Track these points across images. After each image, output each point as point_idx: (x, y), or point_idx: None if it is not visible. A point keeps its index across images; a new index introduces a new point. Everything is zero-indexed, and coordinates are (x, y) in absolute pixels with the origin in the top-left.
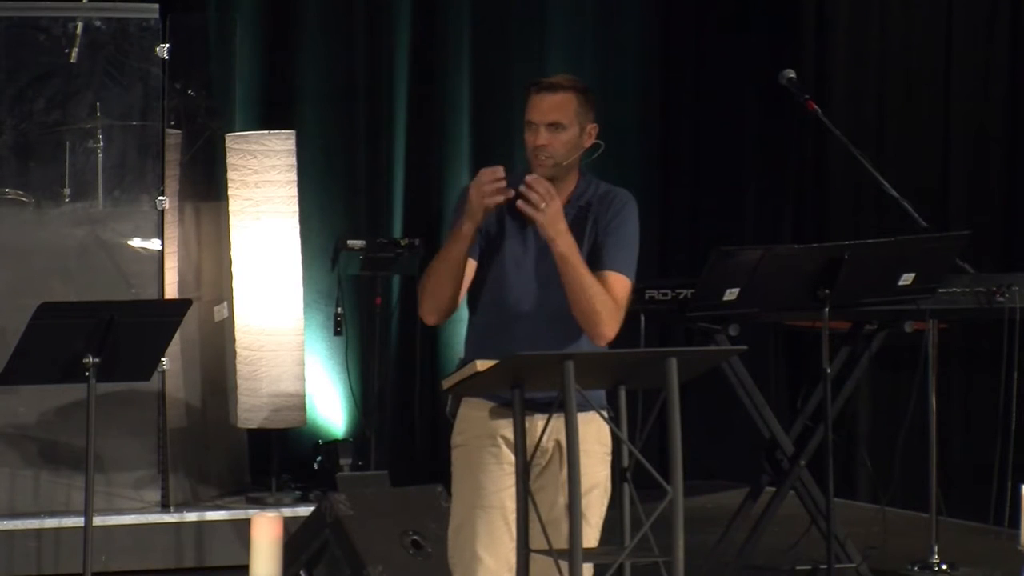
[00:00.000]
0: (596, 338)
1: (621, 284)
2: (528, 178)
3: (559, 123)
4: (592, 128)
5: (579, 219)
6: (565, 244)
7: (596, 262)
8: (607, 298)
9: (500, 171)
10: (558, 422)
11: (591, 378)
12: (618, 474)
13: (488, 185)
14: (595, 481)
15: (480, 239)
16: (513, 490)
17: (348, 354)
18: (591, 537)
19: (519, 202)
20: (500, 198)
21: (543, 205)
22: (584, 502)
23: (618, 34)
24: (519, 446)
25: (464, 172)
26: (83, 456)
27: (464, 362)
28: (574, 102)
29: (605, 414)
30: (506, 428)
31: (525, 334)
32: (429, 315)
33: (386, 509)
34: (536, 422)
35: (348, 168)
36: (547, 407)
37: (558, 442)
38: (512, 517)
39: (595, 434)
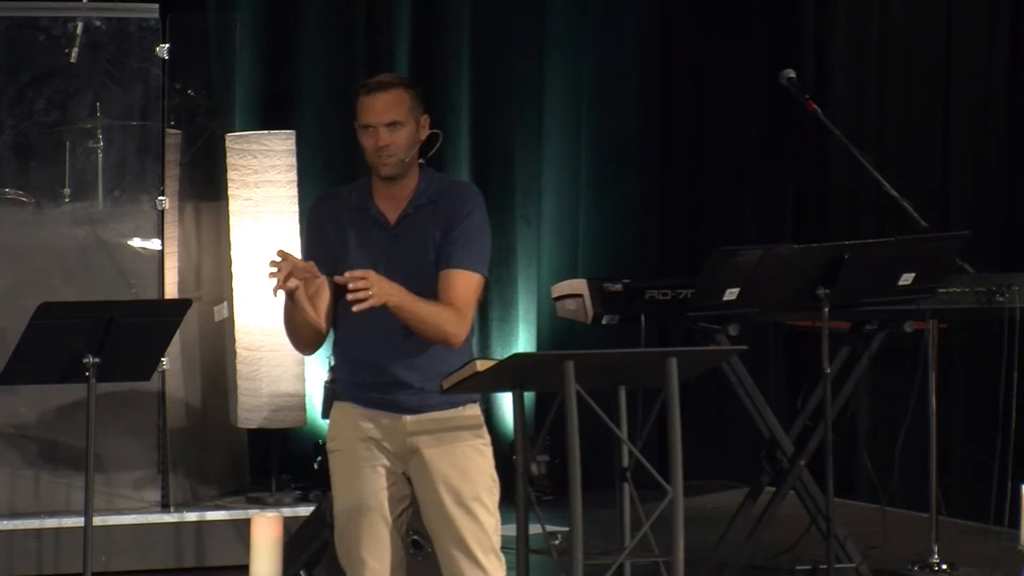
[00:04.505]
0: (449, 347)
1: (466, 281)
2: (339, 279)
3: (397, 121)
4: (425, 120)
5: (425, 214)
6: (394, 299)
7: (444, 260)
8: (445, 311)
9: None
10: (421, 423)
11: (591, 378)
12: (618, 474)
13: (274, 273)
14: (485, 471)
15: (328, 255)
16: (389, 491)
17: None
18: (493, 526)
19: (349, 297)
20: (287, 285)
21: (371, 290)
22: (473, 492)
23: (618, 34)
24: (520, 446)
25: (464, 172)
26: (83, 456)
27: (336, 371)
28: (406, 98)
29: (479, 407)
30: (375, 431)
31: (386, 340)
32: (302, 351)
33: None
34: (404, 423)
35: (348, 168)
36: (414, 410)
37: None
38: (391, 518)
39: (469, 426)
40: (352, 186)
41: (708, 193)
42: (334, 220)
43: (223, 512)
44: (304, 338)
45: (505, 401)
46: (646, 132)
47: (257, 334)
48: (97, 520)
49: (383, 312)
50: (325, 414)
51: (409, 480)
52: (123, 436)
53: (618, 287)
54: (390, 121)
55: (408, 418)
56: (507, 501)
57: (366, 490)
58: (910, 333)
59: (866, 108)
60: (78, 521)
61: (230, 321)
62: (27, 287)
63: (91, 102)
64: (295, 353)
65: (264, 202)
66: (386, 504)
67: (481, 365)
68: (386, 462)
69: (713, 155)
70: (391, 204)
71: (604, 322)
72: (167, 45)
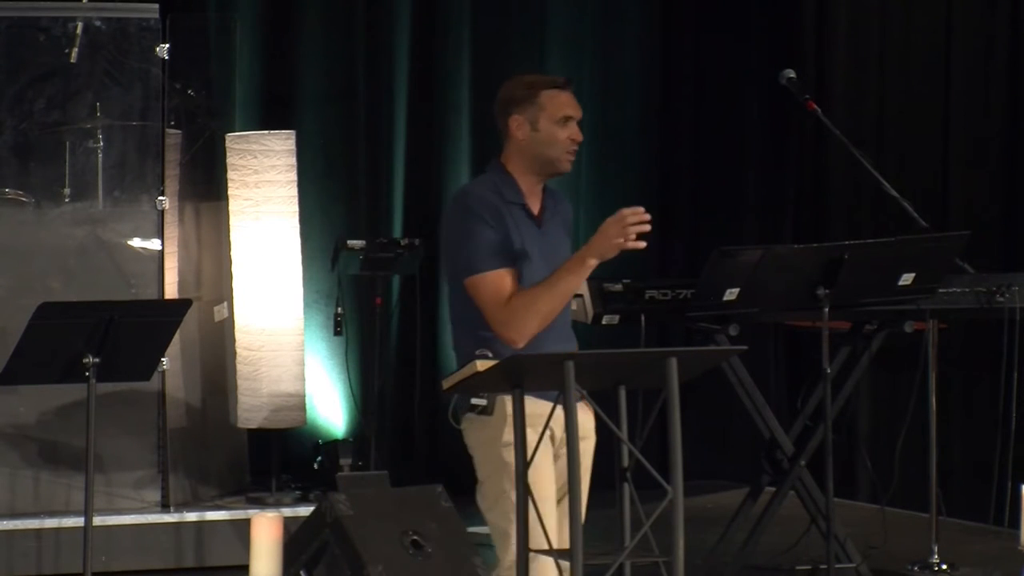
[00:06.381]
0: None
1: None
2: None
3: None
4: None
5: (553, 210)
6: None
7: None
8: None
9: (643, 211)
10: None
11: (591, 378)
12: (618, 474)
13: (633, 228)
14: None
15: (509, 247)
16: (557, 483)
17: (348, 354)
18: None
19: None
20: (642, 244)
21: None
22: (585, 484)
23: (618, 34)
24: (519, 447)
25: (464, 172)
26: (83, 456)
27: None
28: None
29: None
30: (550, 421)
31: (559, 333)
32: (524, 341)
33: (386, 509)
34: (545, 408)
35: (348, 168)
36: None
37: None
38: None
39: (589, 420)
40: (487, 181)
41: (708, 193)
42: (504, 213)
43: (223, 512)
44: (551, 319)
45: None
46: (646, 132)
47: (257, 334)
48: (97, 520)
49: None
50: (493, 408)
51: None
52: (123, 436)
53: (618, 287)
54: (580, 117)
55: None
56: None
57: (548, 480)
58: (910, 333)
59: (866, 108)
60: (78, 521)
61: (230, 321)
62: (27, 287)
63: (91, 102)
64: (295, 353)
65: (264, 202)
66: (552, 494)
67: (481, 365)
68: (553, 452)
69: (713, 155)
70: (533, 200)
71: (604, 322)
72: (167, 45)
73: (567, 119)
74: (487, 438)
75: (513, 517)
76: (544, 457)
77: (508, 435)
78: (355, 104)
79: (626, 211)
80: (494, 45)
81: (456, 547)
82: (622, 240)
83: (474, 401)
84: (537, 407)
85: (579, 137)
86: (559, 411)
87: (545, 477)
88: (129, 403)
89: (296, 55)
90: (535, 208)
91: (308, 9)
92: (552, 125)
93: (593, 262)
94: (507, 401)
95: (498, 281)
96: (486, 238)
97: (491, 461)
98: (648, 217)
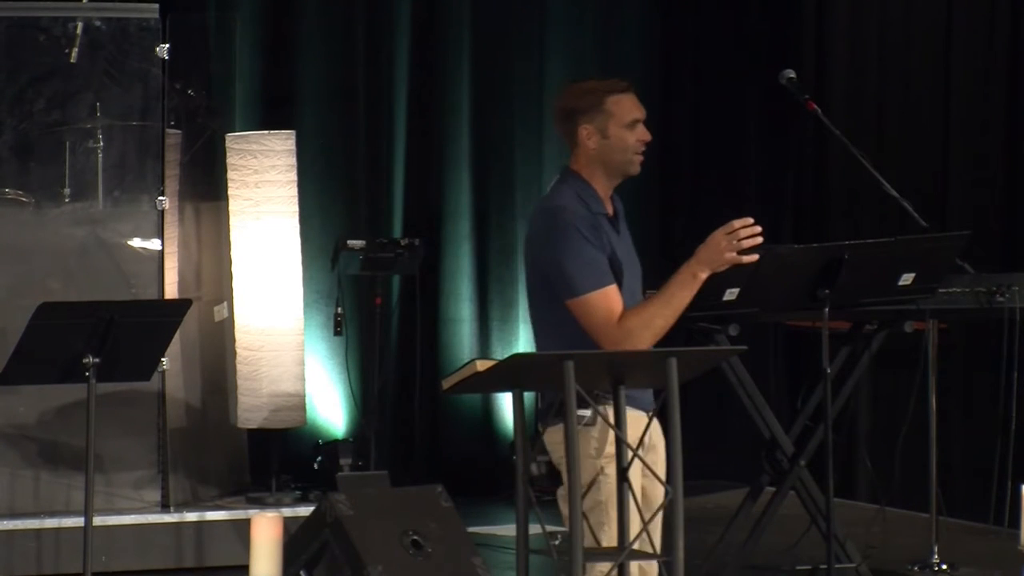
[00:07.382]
0: None
1: None
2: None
3: None
4: None
5: (621, 209)
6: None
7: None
8: None
9: (752, 222)
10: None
11: (591, 378)
12: (618, 474)
13: (747, 241)
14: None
15: (610, 262)
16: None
17: (348, 354)
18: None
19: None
20: (753, 257)
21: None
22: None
23: (618, 34)
24: (521, 447)
25: (464, 172)
26: (83, 456)
27: None
28: None
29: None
30: (640, 430)
31: None
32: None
33: (386, 509)
34: (639, 419)
35: (348, 168)
36: (649, 407)
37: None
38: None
39: (656, 429)
40: (571, 193)
41: (708, 193)
42: (598, 226)
43: (223, 512)
44: (663, 334)
45: (505, 401)
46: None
47: (257, 334)
48: (97, 520)
49: None
50: (595, 419)
51: None
52: (123, 436)
53: None
54: (645, 117)
55: (650, 412)
56: (507, 501)
57: (637, 491)
58: (910, 333)
59: (866, 108)
60: (78, 521)
61: (230, 321)
62: (27, 287)
63: (91, 102)
64: (295, 353)
65: (264, 202)
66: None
67: (481, 365)
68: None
69: (713, 155)
70: (609, 206)
71: None
72: (167, 45)
73: (635, 122)
74: (586, 449)
75: (607, 528)
76: (636, 467)
77: (611, 448)
78: (355, 104)
79: (736, 223)
80: (494, 45)
81: (456, 547)
82: (733, 253)
83: (578, 412)
84: (630, 415)
85: (647, 137)
86: (645, 420)
87: (636, 487)
88: (129, 403)
89: (296, 55)
90: (611, 213)
91: (308, 9)
92: (622, 130)
93: (704, 276)
94: (609, 413)
95: (607, 300)
96: (590, 256)
97: (588, 473)
98: (759, 229)
